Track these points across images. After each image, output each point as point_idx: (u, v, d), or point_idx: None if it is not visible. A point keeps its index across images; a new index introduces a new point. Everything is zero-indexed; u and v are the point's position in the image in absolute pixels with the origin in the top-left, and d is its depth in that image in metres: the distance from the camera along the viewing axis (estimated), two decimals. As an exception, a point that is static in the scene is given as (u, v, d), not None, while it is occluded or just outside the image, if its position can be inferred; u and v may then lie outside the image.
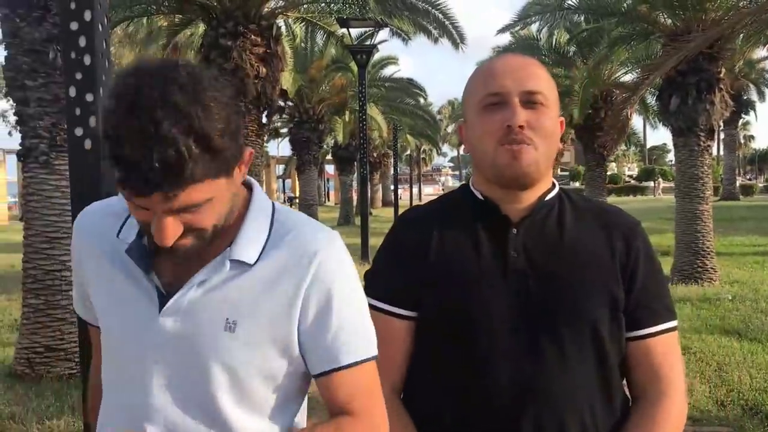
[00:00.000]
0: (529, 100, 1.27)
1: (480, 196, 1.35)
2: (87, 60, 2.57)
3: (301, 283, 1.09)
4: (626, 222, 1.37)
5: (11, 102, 5.59)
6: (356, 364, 1.12)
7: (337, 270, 1.12)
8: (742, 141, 56.07)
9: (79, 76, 2.57)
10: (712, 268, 9.65)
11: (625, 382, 1.36)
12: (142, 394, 1.09)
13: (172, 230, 0.98)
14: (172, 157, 0.91)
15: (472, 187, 1.38)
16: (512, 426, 1.25)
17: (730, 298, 8.42)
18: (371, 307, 1.30)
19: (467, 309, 1.28)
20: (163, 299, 1.09)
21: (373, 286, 1.37)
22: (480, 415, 1.27)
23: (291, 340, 1.10)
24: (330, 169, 45.17)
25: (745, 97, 30.45)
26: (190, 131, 0.92)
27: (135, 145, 0.91)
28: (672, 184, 43.61)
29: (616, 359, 1.30)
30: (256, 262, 1.09)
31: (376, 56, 19.93)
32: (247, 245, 1.09)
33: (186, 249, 1.02)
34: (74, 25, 2.58)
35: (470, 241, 1.32)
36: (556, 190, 1.37)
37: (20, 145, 5.51)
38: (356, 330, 1.13)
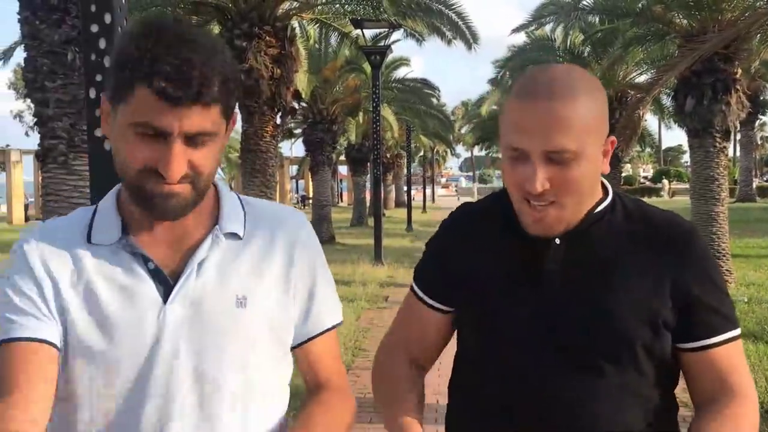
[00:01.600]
0: (554, 158, 1.17)
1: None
2: (107, 62, 2.61)
3: (292, 251, 1.20)
4: (678, 233, 1.27)
5: (27, 103, 5.68)
6: (333, 327, 1.26)
7: (315, 242, 1.26)
8: (759, 142, 55.57)
9: (99, 77, 2.62)
10: (727, 270, 9.58)
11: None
12: (162, 388, 1.10)
13: (181, 160, 1.05)
14: (206, 75, 1.04)
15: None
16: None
17: (745, 300, 8.35)
18: (415, 293, 1.40)
19: (493, 314, 1.27)
20: (165, 289, 1.12)
21: (418, 274, 1.42)
22: (499, 421, 1.27)
23: (290, 305, 1.20)
24: (343, 169, 45.24)
25: (762, 98, 30.17)
26: (215, 57, 1.06)
27: (177, 60, 1.03)
28: (682, 185, 42.82)
29: (656, 374, 1.25)
30: (243, 237, 1.18)
31: (389, 57, 19.97)
32: (233, 220, 1.19)
33: (181, 201, 1.08)
34: (94, 28, 2.62)
35: (508, 248, 1.29)
36: (609, 198, 1.30)
37: (39, 145, 5.59)
38: (335, 295, 1.28)
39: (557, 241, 1.25)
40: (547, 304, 1.24)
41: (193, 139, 1.06)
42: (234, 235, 1.18)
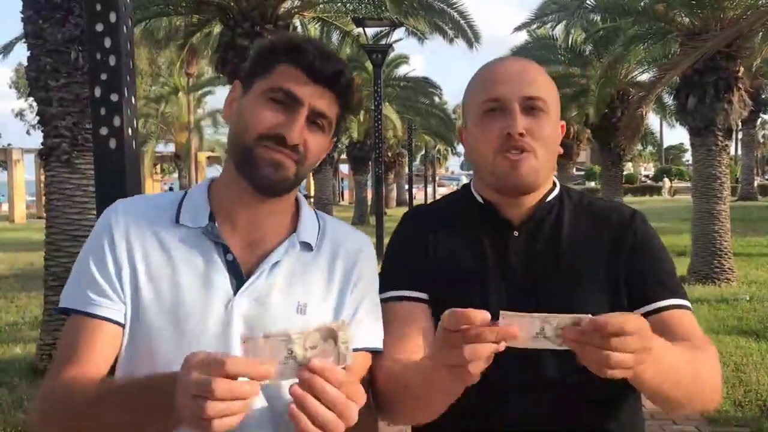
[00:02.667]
0: (530, 106, 1.27)
1: (480, 200, 1.37)
2: (112, 61, 2.62)
3: (352, 270, 1.26)
4: (621, 214, 1.36)
5: (29, 101, 5.70)
6: (364, 350, 1.25)
7: (373, 267, 1.31)
8: (761, 140, 55.45)
9: (104, 76, 2.62)
10: (729, 269, 9.58)
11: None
12: None
13: (302, 128, 1.16)
14: (344, 70, 1.20)
15: (473, 190, 1.40)
16: (502, 421, 1.26)
17: (747, 298, 8.36)
18: (388, 299, 1.34)
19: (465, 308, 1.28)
20: (237, 282, 1.18)
21: (385, 280, 1.37)
22: (473, 410, 1.26)
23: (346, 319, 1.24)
24: (344, 168, 45.19)
25: (763, 96, 30.09)
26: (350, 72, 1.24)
27: (324, 50, 1.19)
28: (684, 184, 42.55)
29: None
30: (314, 249, 1.25)
31: (391, 55, 19.95)
32: (309, 230, 1.26)
33: (285, 175, 1.17)
34: (99, 27, 2.63)
35: (471, 243, 1.33)
36: (557, 190, 1.38)
37: (42, 144, 5.60)
38: (375, 321, 1.29)
39: (516, 233, 1.32)
40: (511, 298, 1.26)
41: (315, 119, 1.17)
42: (307, 246, 1.25)
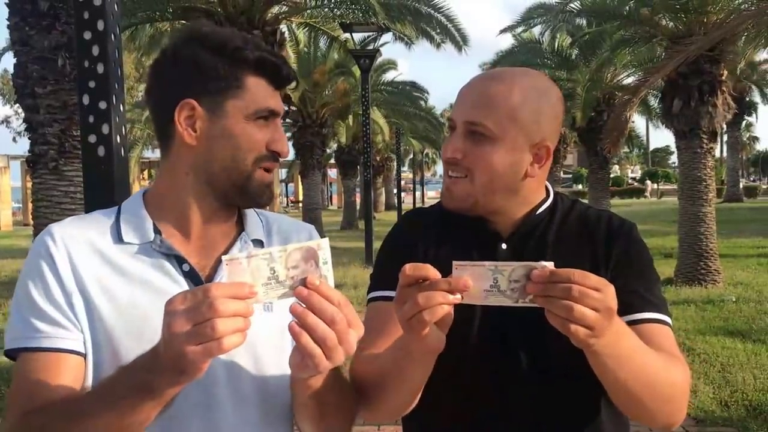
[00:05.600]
0: (470, 131, 1.25)
1: None
2: (100, 68, 2.62)
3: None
4: (609, 225, 1.33)
5: (15, 108, 5.69)
6: None
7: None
8: (746, 142, 55.94)
9: (92, 84, 2.63)
10: (715, 270, 9.66)
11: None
12: (203, 387, 1.10)
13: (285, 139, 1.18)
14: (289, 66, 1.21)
15: None
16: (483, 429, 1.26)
17: (733, 299, 8.43)
18: (378, 299, 1.33)
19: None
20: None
21: (376, 281, 1.37)
22: (452, 419, 1.28)
23: None
24: (332, 173, 45.19)
25: (747, 99, 30.41)
26: None
27: (267, 49, 1.17)
28: (670, 186, 42.89)
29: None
30: (264, 244, 1.23)
31: (378, 60, 19.99)
32: (255, 227, 1.25)
33: (273, 191, 1.20)
34: (87, 35, 2.63)
35: (461, 254, 1.27)
36: (550, 200, 1.34)
37: (29, 151, 5.59)
38: None
39: (503, 246, 1.30)
40: (494, 311, 1.23)
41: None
42: (259, 242, 1.22)
